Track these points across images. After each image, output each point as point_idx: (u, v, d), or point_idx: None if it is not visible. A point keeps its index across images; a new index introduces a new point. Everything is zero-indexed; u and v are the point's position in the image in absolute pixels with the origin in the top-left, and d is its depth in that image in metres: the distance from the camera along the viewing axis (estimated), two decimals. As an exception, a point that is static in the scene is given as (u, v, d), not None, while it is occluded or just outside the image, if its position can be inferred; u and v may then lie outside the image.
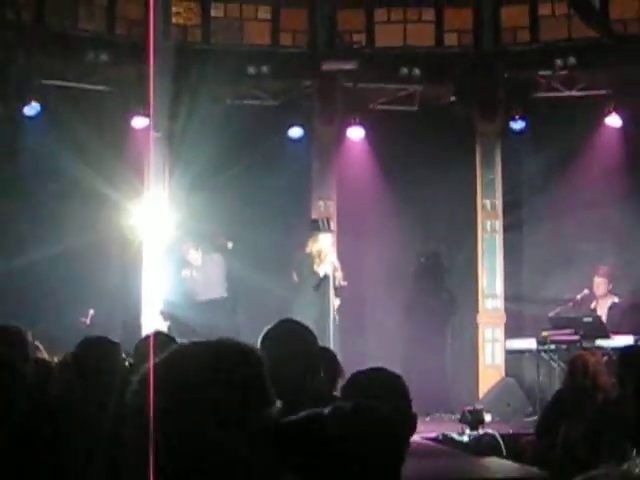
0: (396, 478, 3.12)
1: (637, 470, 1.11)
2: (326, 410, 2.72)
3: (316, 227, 14.43)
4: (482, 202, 16.66)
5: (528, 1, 16.04)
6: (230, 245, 15.08)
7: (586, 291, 15.05)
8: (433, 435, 11.82)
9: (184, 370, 2.19)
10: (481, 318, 16.47)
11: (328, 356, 5.63)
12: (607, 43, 16.03)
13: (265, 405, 2.29)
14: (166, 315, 14.65)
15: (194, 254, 15.31)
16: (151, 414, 2.03)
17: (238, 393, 2.20)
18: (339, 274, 14.08)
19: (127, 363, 6.37)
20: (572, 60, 15.82)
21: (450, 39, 16.85)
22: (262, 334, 4.62)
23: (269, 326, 4.68)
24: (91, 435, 4.49)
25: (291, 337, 4.64)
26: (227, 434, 2.17)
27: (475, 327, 16.51)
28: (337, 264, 14.09)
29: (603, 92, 16.16)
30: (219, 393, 2.16)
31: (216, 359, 2.24)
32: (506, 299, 16.47)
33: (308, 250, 14.14)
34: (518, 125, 16.38)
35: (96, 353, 5.97)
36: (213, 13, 16.58)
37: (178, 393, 2.12)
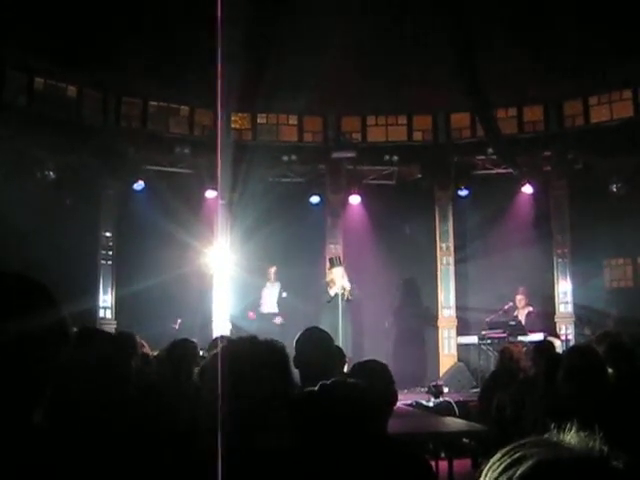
0: (375, 428, 3.13)
1: (555, 439, 1.11)
2: (321, 384, 2.79)
3: (331, 263, 14.44)
4: (440, 245, 16.65)
5: (469, 110, 16.04)
6: (284, 294, 15.08)
7: (510, 303, 15.06)
8: (409, 402, 11.76)
9: (238, 353, 2.25)
10: (440, 322, 16.41)
11: (339, 350, 5.62)
12: (521, 138, 16.12)
13: (288, 381, 2.32)
14: (232, 324, 14.65)
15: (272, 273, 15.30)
16: (219, 378, 2.09)
17: (268, 371, 2.24)
18: (347, 292, 14.02)
19: (202, 354, 6.38)
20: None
21: (417, 136, 16.85)
22: (296, 336, 4.66)
23: (300, 331, 4.72)
24: (177, 403, 4.50)
25: (315, 338, 4.67)
26: (264, 398, 2.20)
27: (437, 328, 16.44)
28: (347, 286, 14.05)
29: (521, 169, 16.15)
30: (258, 371, 2.20)
31: (256, 351, 2.29)
32: (457, 309, 16.43)
33: (326, 279, 14.19)
34: (463, 193, 16.38)
35: (181, 349, 5.99)
36: (259, 120, 16.64)
37: (234, 367, 2.16)
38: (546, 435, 1.12)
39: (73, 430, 2.50)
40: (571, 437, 1.10)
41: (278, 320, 14.89)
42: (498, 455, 1.10)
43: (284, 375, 2.37)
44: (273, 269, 15.28)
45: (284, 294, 15.06)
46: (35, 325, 1.59)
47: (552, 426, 1.14)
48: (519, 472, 1.04)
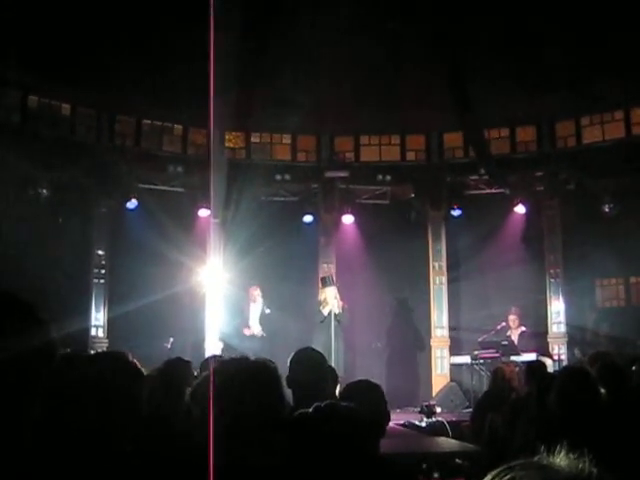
0: (368, 450, 3.14)
1: (545, 461, 1.12)
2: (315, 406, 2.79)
3: (323, 282, 14.41)
4: (433, 264, 16.67)
5: (460, 130, 16.10)
6: (268, 311, 14.97)
7: (503, 323, 15.07)
8: (401, 422, 11.73)
9: (229, 374, 2.25)
10: (433, 342, 16.40)
11: (331, 370, 5.61)
12: (513, 158, 16.19)
13: (280, 401, 2.32)
14: (224, 343, 14.57)
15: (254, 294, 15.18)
16: (210, 397, 2.09)
17: (260, 391, 2.24)
18: (338, 315, 13.98)
19: (195, 374, 6.35)
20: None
21: (410, 155, 16.92)
22: (290, 357, 4.67)
23: (294, 352, 4.74)
24: (170, 422, 4.49)
25: (308, 358, 4.68)
26: (256, 418, 2.20)
27: (429, 348, 16.43)
28: (339, 306, 14.00)
29: (513, 190, 16.19)
30: (249, 391, 2.20)
31: (248, 371, 2.29)
32: (450, 329, 16.43)
33: (319, 298, 14.15)
34: (456, 213, 16.39)
35: (174, 368, 5.98)
36: (252, 139, 16.68)
37: (226, 388, 2.17)
38: (536, 457, 1.13)
39: (64, 448, 2.49)
40: (560, 459, 1.11)
41: (248, 332, 14.83)
42: (488, 478, 1.11)
43: (276, 395, 2.38)
44: (256, 291, 15.11)
45: (267, 310, 14.93)
46: (22, 346, 1.59)
47: (542, 448, 1.15)
48: None
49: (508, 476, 1.08)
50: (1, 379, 1.56)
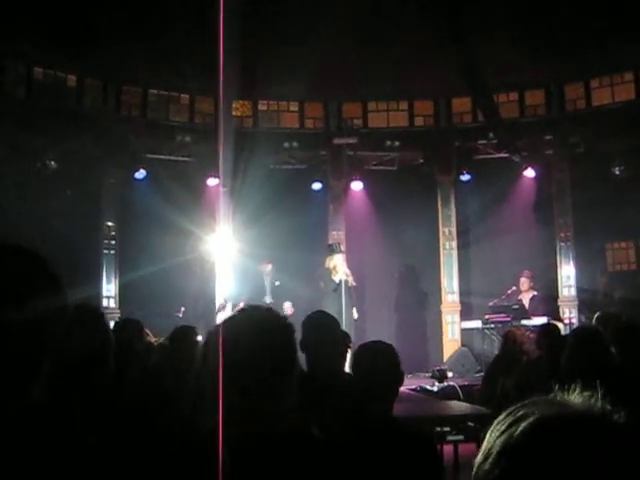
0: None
1: (557, 398, 1.14)
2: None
3: (331, 249, 14.39)
4: (442, 230, 16.66)
5: (469, 95, 16.02)
6: (277, 283, 15.13)
7: (514, 287, 15.09)
8: (413, 387, 11.81)
9: (243, 327, 2.25)
10: (444, 307, 16.44)
11: (344, 335, 5.66)
12: (522, 122, 16.12)
13: (295, 357, 2.31)
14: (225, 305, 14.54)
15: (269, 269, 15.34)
16: (220, 353, 2.08)
17: (273, 339, 2.23)
18: (350, 279, 14.03)
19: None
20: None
21: (418, 121, 16.88)
22: (304, 320, 4.70)
23: (308, 314, 4.78)
24: (179, 388, 4.55)
25: (321, 322, 4.72)
26: (269, 370, 2.19)
27: (440, 313, 16.47)
28: (348, 272, 14.04)
29: (523, 154, 16.13)
30: (262, 339, 2.19)
31: (261, 318, 2.28)
32: (460, 294, 16.46)
33: (326, 265, 14.11)
34: (465, 177, 16.36)
35: (181, 336, 6.09)
36: (260, 107, 16.66)
37: (237, 342, 2.17)
38: (549, 396, 1.15)
39: (70, 406, 2.52)
40: (574, 397, 1.13)
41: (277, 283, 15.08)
42: (502, 416, 1.13)
43: (290, 354, 2.35)
44: (267, 267, 15.30)
45: (277, 283, 15.07)
46: (44, 309, 1.62)
47: (556, 388, 1.17)
48: (520, 429, 1.07)
49: (521, 412, 1.10)
50: (21, 337, 1.59)
